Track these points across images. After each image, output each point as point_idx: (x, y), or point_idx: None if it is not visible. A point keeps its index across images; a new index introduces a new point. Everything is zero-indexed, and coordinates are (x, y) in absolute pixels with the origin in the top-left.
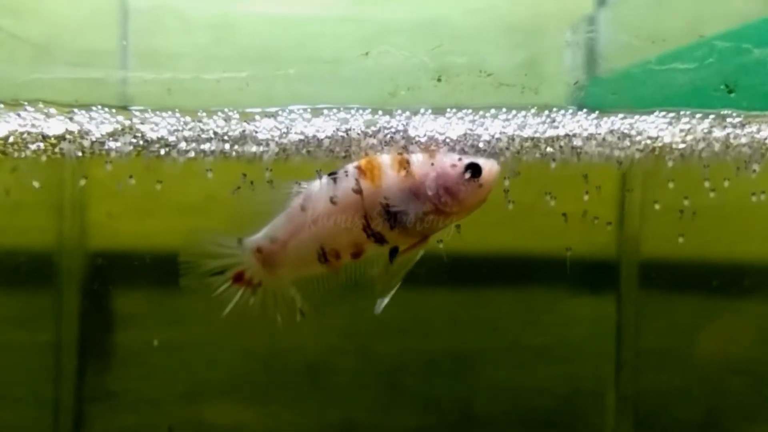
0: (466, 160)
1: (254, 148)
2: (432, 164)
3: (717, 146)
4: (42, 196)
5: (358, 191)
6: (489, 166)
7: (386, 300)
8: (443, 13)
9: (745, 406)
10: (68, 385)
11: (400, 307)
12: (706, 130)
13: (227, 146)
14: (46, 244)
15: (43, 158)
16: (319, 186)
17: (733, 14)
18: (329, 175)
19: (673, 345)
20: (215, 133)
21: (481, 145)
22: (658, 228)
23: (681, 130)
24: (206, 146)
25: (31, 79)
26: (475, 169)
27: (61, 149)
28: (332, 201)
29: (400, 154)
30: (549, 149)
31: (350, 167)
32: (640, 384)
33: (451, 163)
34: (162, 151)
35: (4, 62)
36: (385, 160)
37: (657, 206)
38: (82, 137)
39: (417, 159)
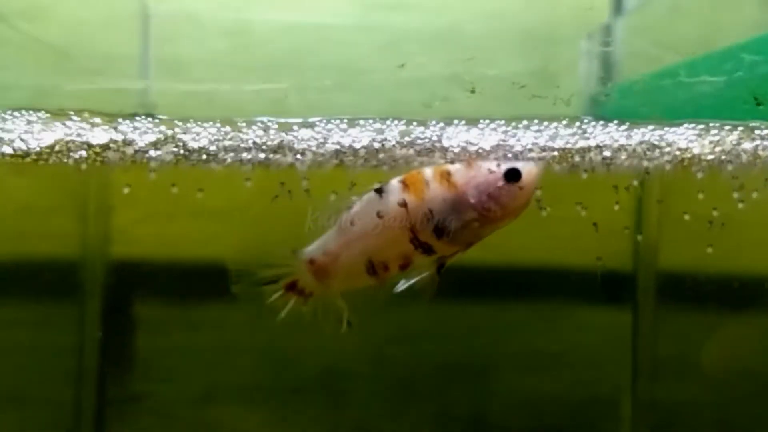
0: (505, 165)
1: (290, 158)
2: (472, 173)
3: (745, 158)
4: (67, 201)
5: (403, 204)
6: (528, 169)
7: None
8: (456, 19)
9: (762, 416)
10: (89, 387)
11: (414, 314)
12: (734, 142)
13: (263, 155)
14: (70, 249)
15: (83, 166)
16: (366, 201)
17: (750, 22)
18: (375, 190)
19: (690, 354)
20: (254, 143)
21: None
22: (676, 237)
23: (710, 142)
24: (244, 155)
25: (69, 90)
26: (514, 173)
27: (104, 158)
28: (379, 215)
29: (442, 166)
30: (578, 159)
31: (394, 181)
32: (656, 393)
33: (490, 169)
34: (203, 157)
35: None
36: (428, 172)
37: (686, 216)
38: (126, 146)
39: (457, 169)
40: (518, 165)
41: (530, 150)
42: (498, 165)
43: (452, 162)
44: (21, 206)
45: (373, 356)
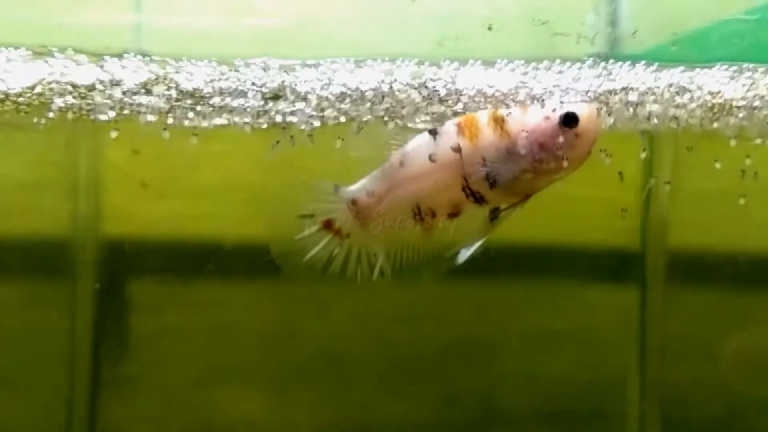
0: (562, 109)
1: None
2: (526, 119)
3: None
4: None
5: (457, 149)
6: (588, 113)
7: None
8: None
9: None
10: (82, 369)
11: (418, 294)
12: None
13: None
14: (62, 226)
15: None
16: (418, 142)
17: None
18: (429, 131)
19: (699, 333)
20: (253, 84)
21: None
22: (686, 213)
23: (743, 85)
24: (242, 102)
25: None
26: (570, 119)
27: (90, 104)
28: (431, 159)
29: (497, 110)
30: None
31: (450, 124)
32: (665, 373)
33: (544, 115)
34: (197, 108)
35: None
36: (483, 117)
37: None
38: (113, 86)
39: (512, 115)
40: (575, 108)
41: (551, 93)
42: (554, 110)
43: (510, 105)
44: (9, 181)
45: (376, 336)
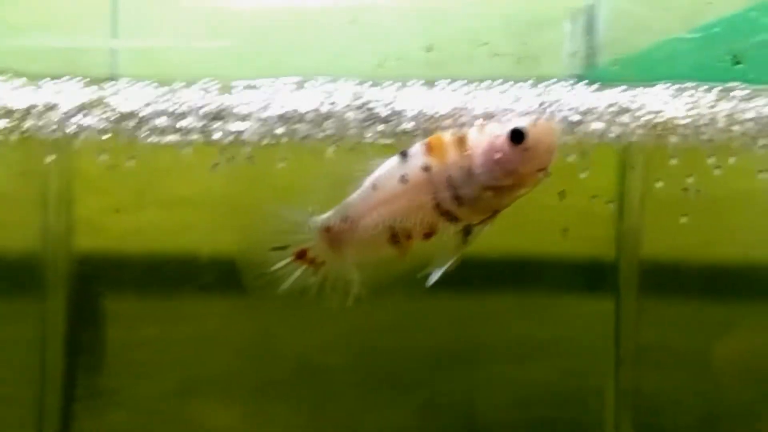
0: (511, 125)
1: (234, 126)
2: (481, 138)
3: (722, 121)
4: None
5: (427, 169)
6: (536, 128)
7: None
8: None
9: (744, 402)
10: (54, 383)
11: (397, 305)
12: (711, 104)
13: (204, 123)
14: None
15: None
16: (389, 165)
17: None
18: (399, 153)
19: (672, 342)
20: (192, 107)
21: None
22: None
23: (685, 104)
24: (184, 123)
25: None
26: (517, 135)
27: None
28: (402, 180)
29: (461, 129)
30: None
31: (418, 145)
32: (639, 380)
33: (497, 133)
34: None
35: None
36: (448, 136)
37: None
38: (48, 111)
39: (472, 134)
40: (524, 123)
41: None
42: (506, 126)
43: (475, 124)
44: None
45: (355, 347)
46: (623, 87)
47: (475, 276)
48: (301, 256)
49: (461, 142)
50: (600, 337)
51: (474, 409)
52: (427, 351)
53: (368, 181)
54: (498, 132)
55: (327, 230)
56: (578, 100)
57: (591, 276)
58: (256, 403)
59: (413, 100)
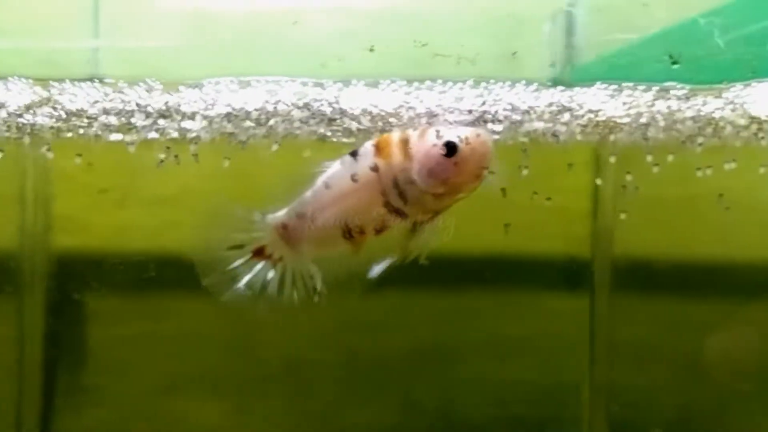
0: (448, 136)
1: (181, 124)
2: (421, 143)
3: (661, 121)
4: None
5: (375, 169)
6: (469, 142)
7: (382, 266)
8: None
9: (717, 398)
10: (33, 381)
11: (377, 303)
12: (649, 103)
13: (151, 121)
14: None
15: None
16: (341, 164)
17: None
18: (350, 153)
19: (645, 338)
20: (138, 105)
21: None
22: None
23: (623, 103)
24: (132, 120)
25: None
26: (450, 148)
27: None
28: (353, 179)
29: (406, 131)
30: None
31: (368, 145)
32: (613, 377)
33: (433, 142)
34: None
35: None
36: (395, 137)
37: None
38: None
39: (413, 137)
40: (458, 136)
41: (433, 114)
42: (441, 136)
43: (418, 127)
44: None
45: (336, 345)
46: (561, 87)
47: (453, 275)
48: (258, 253)
49: (405, 144)
50: (576, 333)
51: (452, 405)
52: (406, 349)
53: (321, 180)
54: (433, 140)
55: (283, 227)
56: (518, 99)
57: (566, 273)
58: (237, 399)
59: (357, 99)
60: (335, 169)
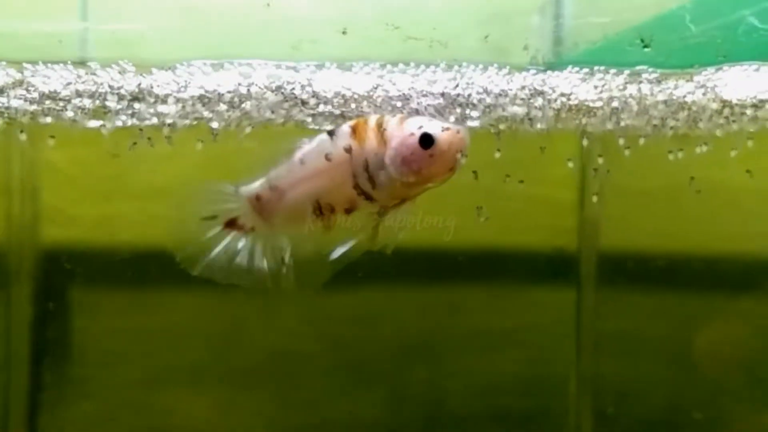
0: (427, 128)
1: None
2: (398, 131)
3: (634, 105)
4: None
5: (348, 150)
6: (446, 136)
7: (344, 249)
8: None
9: (701, 389)
10: (20, 372)
11: (363, 295)
12: (621, 87)
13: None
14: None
15: None
16: (317, 142)
17: None
18: (327, 132)
19: (631, 330)
20: (110, 87)
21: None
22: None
23: (594, 87)
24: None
25: None
26: (427, 140)
27: None
28: (327, 158)
29: (383, 116)
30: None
31: (345, 126)
32: (599, 368)
33: (410, 131)
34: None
35: None
36: (371, 121)
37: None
38: None
39: (391, 124)
40: (436, 129)
41: (407, 97)
42: (420, 126)
43: (397, 113)
44: None
45: (323, 338)
46: (534, 71)
47: (440, 267)
48: (231, 224)
49: (381, 129)
50: (563, 325)
51: (439, 398)
52: (393, 341)
53: (297, 156)
54: (411, 130)
55: (257, 198)
56: (491, 83)
57: (553, 265)
58: (224, 392)
59: (330, 82)
60: (311, 147)
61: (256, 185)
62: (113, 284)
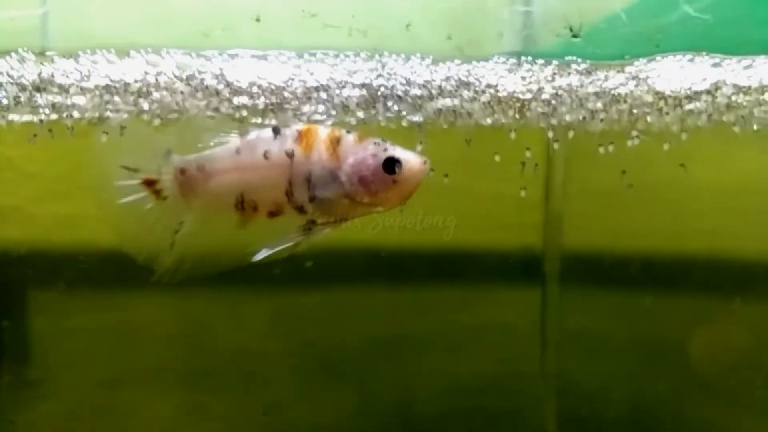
0: (392, 152)
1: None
2: (356, 149)
3: (566, 96)
4: None
5: (291, 155)
6: (412, 164)
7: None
8: None
9: (665, 386)
10: None
11: (329, 294)
12: (549, 78)
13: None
14: None
15: None
16: (259, 136)
17: None
18: (273, 129)
19: (595, 328)
20: (9, 76)
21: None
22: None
23: (522, 78)
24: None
25: None
26: (392, 164)
27: None
28: (265, 155)
29: (337, 129)
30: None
31: (293, 128)
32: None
33: (373, 152)
34: None
35: None
36: (323, 132)
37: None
38: None
39: (348, 140)
40: (403, 156)
41: (326, 88)
42: (385, 150)
43: (351, 129)
44: None
45: (289, 337)
46: (458, 61)
47: (406, 267)
48: (149, 183)
49: (334, 143)
50: (528, 323)
51: (407, 396)
52: (361, 341)
53: (235, 143)
54: (374, 151)
55: (182, 171)
56: (413, 73)
57: (518, 264)
58: (187, 392)
59: (244, 71)
60: (252, 138)
61: (188, 158)
62: (71, 284)
